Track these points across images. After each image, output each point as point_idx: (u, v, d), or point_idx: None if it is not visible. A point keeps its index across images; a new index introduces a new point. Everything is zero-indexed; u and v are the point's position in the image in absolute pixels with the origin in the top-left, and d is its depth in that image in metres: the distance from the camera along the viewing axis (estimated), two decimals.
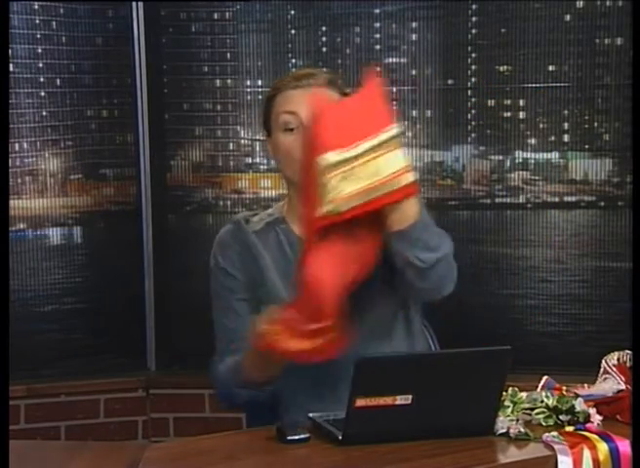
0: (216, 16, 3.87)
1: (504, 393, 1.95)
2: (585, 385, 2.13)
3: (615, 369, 2.11)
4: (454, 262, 2.10)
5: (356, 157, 1.90)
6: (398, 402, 1.82)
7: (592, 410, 1.96)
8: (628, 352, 2.11)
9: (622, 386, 2.06)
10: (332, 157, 1.89)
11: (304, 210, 2.02)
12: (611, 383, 2.09)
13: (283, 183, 2.40)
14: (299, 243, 2.26)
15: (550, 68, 3.71)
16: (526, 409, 1.98)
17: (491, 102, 3.78)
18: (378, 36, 3.79)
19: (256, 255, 2.30)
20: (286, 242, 2.30)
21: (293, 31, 3.83)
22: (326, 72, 2.33)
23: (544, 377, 2.16)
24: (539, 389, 2.12)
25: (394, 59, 3.80)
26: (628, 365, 2.10)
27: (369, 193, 1.90)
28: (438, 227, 2.11)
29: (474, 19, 3.76)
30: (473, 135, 3.80)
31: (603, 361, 2.14)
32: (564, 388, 2.10)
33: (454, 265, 2.10)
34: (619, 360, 2.13)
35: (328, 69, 2.35)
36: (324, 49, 3.84)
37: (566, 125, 3.75)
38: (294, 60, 3.84)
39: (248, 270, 2.32)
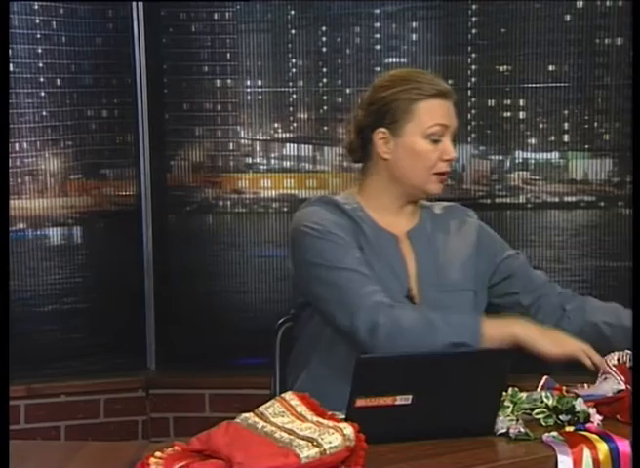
0: (216, 16, 3.87)
1: (504, 393, 1.95)
2: (585, 385, 2.13)
3: (615, 369, 2.10)
4: None
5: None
6: (398, 402, 1.82)
7: (592, 411, 1.96)
8: (628, 352, 2.11)
9: (622, 386, 2.06)
10: None
11: None
12: (611, 383, 2.09)
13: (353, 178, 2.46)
14: (382, 233, 2.32)
15: (550, 68, 3.72)
16: (526, 409, 1.98)
17: (491, 102, 3.78)
18: (378, 36, 3.79)
19: (363, 239, 2.31)
20: (369, 231, 2.32)
21: (293, 31, 3.83)
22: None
23: (544, 377, 2.16)
24: (539, 389, 2.12)
25: (394, 59, 3.80)
26: (628, 365, 2.10)
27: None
28: None
29: (474, 19, 3.77)
30: (473, 135, 3.80)
31: (603, 361, 2.14)
32: (564, 388, 2.10)
33: None
34: (619, 360, 2.13)
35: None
36: (324, 49, 3.84)
37: (566, 125, 3.76)
38: (294, 60, 3.84)
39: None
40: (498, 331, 2.14)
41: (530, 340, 2.12)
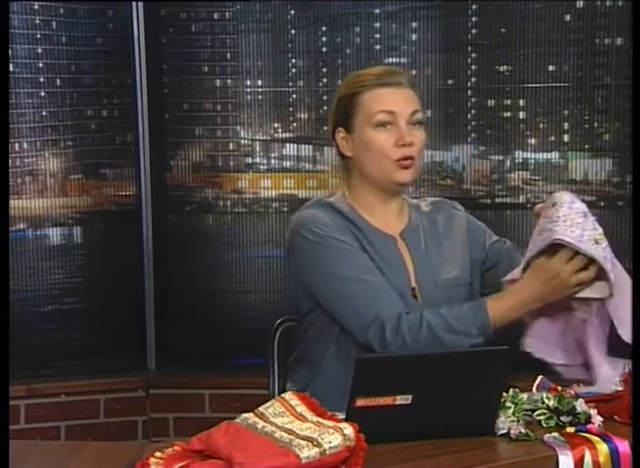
0: (216, 16, 3.87)
1: (505, 394, 1.95)
2: (581, 384, 2.13)
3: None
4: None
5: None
6: (398, 402, 1.82)
7: (593, 412, 1.96)
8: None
9: (621, 387, 2.06)
10: None
11: None
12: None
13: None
14: (378, 234, 2.32)
15: (550, 68, 3.72)
16: (527, 410, 1.98)
17: (491, 102, 3.78)
18: (378, 36, 3.79)
19: (365, 241, 2.31)
20: (368, 232, 2.32)
21: (293, 31, 3.84)
22: (401, 70, 2.39)
23: (539, 377, 2.15)
24: (534, 389, 2.12)
25: (394, 59, 3.80)
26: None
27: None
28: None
29: (474, 19, 3.77)
30: (473, 135, 3.80)
31: None
32: (559, 388, 2.09)
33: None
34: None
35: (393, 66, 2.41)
36: (324, 49, 3.84)
37: (566, 125, 3.76)
38: (294, 60, 3.84)
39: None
40: (504, 312, 2.18)
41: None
